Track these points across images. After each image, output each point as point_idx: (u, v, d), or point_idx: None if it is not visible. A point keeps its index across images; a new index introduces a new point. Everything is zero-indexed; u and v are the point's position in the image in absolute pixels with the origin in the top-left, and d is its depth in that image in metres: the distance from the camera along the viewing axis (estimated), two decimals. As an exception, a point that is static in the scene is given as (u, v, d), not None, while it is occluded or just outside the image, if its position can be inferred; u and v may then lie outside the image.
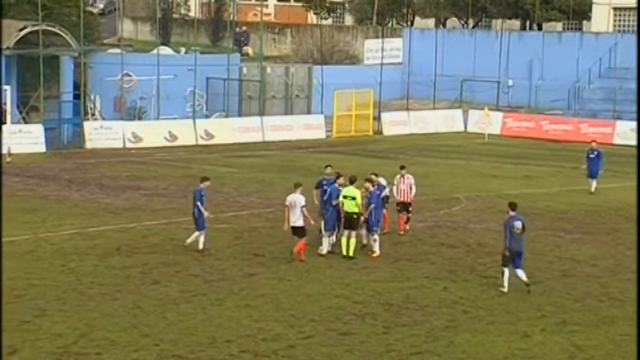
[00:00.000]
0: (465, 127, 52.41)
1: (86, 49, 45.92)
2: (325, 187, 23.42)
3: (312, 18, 73.17)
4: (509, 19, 65.94)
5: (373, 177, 23.83)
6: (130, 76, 46.73)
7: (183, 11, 74.29)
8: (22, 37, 42.76)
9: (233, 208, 28.92)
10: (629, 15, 62.86)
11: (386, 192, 24.48)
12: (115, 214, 27.66)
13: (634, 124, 45.75)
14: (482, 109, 51.58)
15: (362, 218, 22.86)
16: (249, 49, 66.37)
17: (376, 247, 23.10)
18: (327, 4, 72.11)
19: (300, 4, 75.15)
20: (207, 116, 48.06)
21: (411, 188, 25.57)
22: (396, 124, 51.47)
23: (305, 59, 60.23)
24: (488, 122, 50.39)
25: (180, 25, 70.68)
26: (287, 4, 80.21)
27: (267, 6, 76.51)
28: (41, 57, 41.69)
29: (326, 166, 24.68)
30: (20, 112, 43.13)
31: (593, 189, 32.98)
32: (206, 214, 23.01)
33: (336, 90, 49.28)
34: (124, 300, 19.02)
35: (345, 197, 22.71)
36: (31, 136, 40.65)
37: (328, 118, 49.07)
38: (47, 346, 16.28)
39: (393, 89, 56.76)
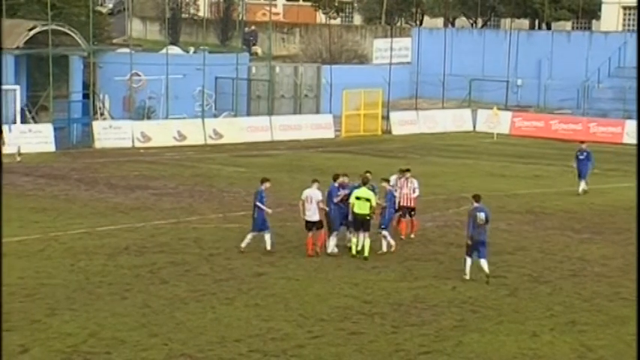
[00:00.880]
0: (474, 127, 52.34)
1: (95, 48, 46.01)
2: (350, 191, 23.10)
3: (320, 17, 73.17)
4: (518, 18, 65.84)
5: (368, 175, 23.46)
6: (138, 75, 46.81)
7: (192, 11, 74.38)
8: (31, 37, 42.89)
9: (242, 208, 28.89)
10: (639, 14, 62.66)
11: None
12: (124, 214, 27.72)
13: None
14: (491, 108, 51.50)
15: (374, 217, 22.81)
16: (257, 49, 66.42)
17: (390, 240, 23.18)
18: (336, 4, 72.11)
19: (308, 3, 75.16)
20: (215, 116, 48.10)
21: (414, 192, 24.82)
22: (405, 123, 51.44)
23: (314, 59, 60.25)
24: (497, 122, 50.31)
25: (189, 25, 70.77)
26: (296, 3, 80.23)
27: (275, 5, 76.53)
28: (50, 57, 41.79)
29: (343, 174, 23.78)
30: (29, 112, 43.24)
31: (581, 190, 32.43)
32: (269, 210, 23.01)
33: (344, 89, 49.26)
34: (133, 299, 19.06)
35: (358, 199, 22.51)
36: (41, 135, 40.76)
37: (337, 118, 49.06)
38: (57, 345, 16.33)
39: (402, 89, 56.75)
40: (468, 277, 20.89)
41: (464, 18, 71.05)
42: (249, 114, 49.38)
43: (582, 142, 34.81)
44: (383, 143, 46.85)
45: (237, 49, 55.62)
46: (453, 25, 69.71)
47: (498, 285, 20.86)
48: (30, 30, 42.90)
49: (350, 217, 22.72)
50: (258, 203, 22.88)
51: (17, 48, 42.59)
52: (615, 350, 16.90)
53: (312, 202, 22.66)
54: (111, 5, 79.14)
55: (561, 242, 25.40)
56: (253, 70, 51.65)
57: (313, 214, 22.69)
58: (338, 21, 72.14)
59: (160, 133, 43.88)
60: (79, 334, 16.87)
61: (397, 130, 50.77)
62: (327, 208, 22.93)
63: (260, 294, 19.66)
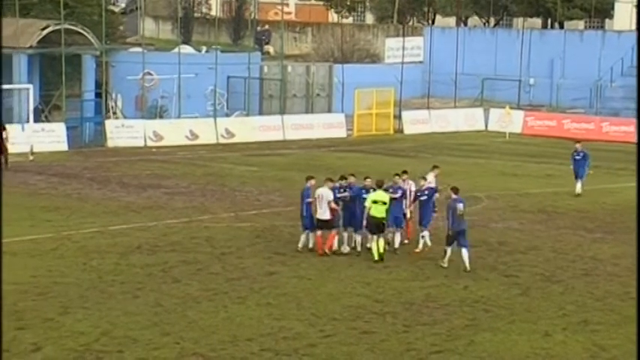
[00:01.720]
0: (486, 126, 52.23)
1: (108, 47, 46.11)
2: (365, 196, 23.04)
3: (332, 16, 73.21)
4: (531, 17, 65.74)
5: (352, 178, 23.52)
6: (151, 74, 46.89)
7: (204, 10, 74.50)
8: (44, 37, 43.00)
9: (254, 207, 28.96)
10: (652, 13, 62.39)
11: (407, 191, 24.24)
12: (136, 213, 27.77)
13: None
14: (504, 107, 51.38)
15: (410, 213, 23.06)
16: (270, 48, 66.47)
17: (428, 241, 23.46)
18: (348, 3, 72.16)
19: (321, 2, 75.21)
20: (227, 115, 48.12)
21: (410, 194, 24.28)
22: (417, 122, 51.38)
23: (326, 58, 60.25)
24: (510, 121, 50.19)
25: (201, 24, 70.86)
26: (308, 2, 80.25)
27: (287, 5, 76.55)
28: (63, 56, 41.91)
29: (365, 178, 23.77)
30: (43, 112, 43.37)
31: (579, 190, 31.96)
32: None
33: (356, 89, 49.22)
34: (145, 298, 19.10)
35: (375, 202, 22.42)
36: (54, 134, 40.85)
37: (349, 117, 49.05)
38: (70, 344, 16.37)
39: (414, 88, 56.68)
40: (446, 265, 21.88)
41: (476, 17, 70.96)
42: (261, 113, 49.40)
43: (578, 141, 33.96)
44: (395, 142, 46.81)
45: (250, 48, 55.67)
46: (465, 24, 69.63)
47: (510, 284, 20.83)
48: (43, 29, 43.01)
49: (365, 222, 22.51)
50: (308, 199, 22.95)
51: (30, 47, 42.72)
52: (628, 350, 16.81)
53: (324, 200, 22.72)
54: (123, 4, 79.28)
55: (573, 241, 25.34)
56: (265, 69, 51.67)
57: (324, 213, 22.76)
58: (350, 20, 72.18)
59: (172, 132, 43.94)
60: (91, 333, 16.91)
61: (409, 129, 50.70)
62: (337, 208, 22.95)
63: (272, 293, 19.68)
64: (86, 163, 37.47)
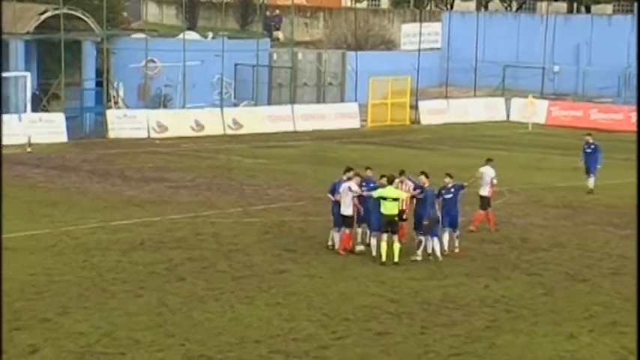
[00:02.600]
0: (508, 116, 52.16)
1: (109, 33, 46.17)
2: (365, 189, 23.06)
3: (346, 1, 73.11)
4: (556, 1, 65.55)
5: (356, 172, 23.42)
6: (154, 62, 46.95)
7: (210, -6, 74.44)
8: (42, 22, 43.08)
9: (262, 201, 28.98)
10: (684, -4, 62.13)
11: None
12: (139, 207, 27.82)
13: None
14: (526, 96, 51.29)
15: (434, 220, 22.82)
16: (279, 34, 66.45)
17: (456, 241, 23.42)
18: (362, -14, 72.05)
19: (333, -14, 75.11)
20: (235, 105, 48.18)
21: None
22: (435, 112, 51.33)
23: (338, 44, 60.22)
24: (533, 111, 50.11)
25: (207, 9, 70.89)
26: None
27: (298, -12, 76.51)
28: (62, 42, 41.97)
29: (366, 168, 24.04)
30: (41, 100, 43.46)
31: (591, 186, 31.68)
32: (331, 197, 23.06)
33: (371, 77, 49.20)
34: (148, 297, 19.13)
35: (384, 199, 22.28)
36: (52, 125, 40.96)
37: (363, 107, 49.03)
38: (69, 345, 16.41)
39: (432, 76, 56.59)
40: (420, 258, 22.23)
41: (497, 1, 70.79)
42: (270, 103, 49.43)
43: (589, 133, 33.76)
44: (411, 134, 46.78)
45: (258, 34, 55.63)
46: (486, 8, 69.45)
47: (534, 283, 20.80)
48: (41, 14, 43.09)
49: (374, 218, 22.40)
50: (337, 195, 22.92)
51: (28, 33, 42.81)
52: (658, 353, 16.79)
53: (349, 195, 22.65)
54: (125, -12, 79.36)
55: (601, 238, 25.29)
56: (275, 56, 51.66)
57: (347, 208, 22.66)
58: (364, 4, 72.05)
59: (177, 122, 44.00)
60: (91, 334, 16.95)
61: (426, 119, 50.67)
62: (359, 205, 22.82)
63: (281, 292, 19.68)
64: (86, 155, 37.57)
